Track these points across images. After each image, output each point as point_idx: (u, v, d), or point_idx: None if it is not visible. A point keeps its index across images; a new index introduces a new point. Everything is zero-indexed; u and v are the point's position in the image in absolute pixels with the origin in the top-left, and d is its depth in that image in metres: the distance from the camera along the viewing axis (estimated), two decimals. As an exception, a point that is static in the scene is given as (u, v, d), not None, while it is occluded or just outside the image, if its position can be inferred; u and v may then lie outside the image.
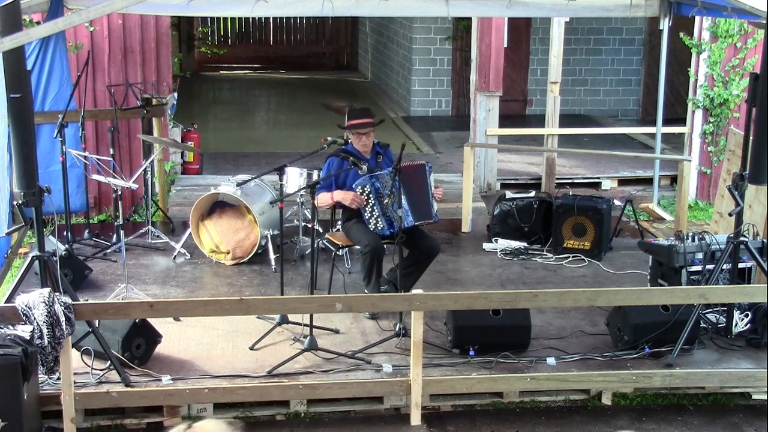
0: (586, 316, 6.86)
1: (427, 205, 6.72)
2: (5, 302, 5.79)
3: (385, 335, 6.41)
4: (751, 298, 6.33)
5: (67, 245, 7.48)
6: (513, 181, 10.94)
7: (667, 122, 10.67)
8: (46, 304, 5.20)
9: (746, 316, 6.53)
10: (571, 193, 8.91)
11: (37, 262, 5.70)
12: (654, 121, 10.46)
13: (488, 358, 6.09)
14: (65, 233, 8.00)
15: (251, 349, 6.21)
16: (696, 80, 10.54)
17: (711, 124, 10.50)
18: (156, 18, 9.36)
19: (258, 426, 5.77)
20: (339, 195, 6.71)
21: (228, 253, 7.87)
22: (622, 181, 11.16)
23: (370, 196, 6.66)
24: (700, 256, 6.85)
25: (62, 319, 5.21)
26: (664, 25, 8.49)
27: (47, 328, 5.16)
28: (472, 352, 6.13)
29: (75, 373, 5.51)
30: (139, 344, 5.89)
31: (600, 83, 14.63)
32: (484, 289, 7.14)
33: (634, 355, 6.12)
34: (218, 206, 8.08)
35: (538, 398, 6.10)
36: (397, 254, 6.61)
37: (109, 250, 8.01)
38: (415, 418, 5.76)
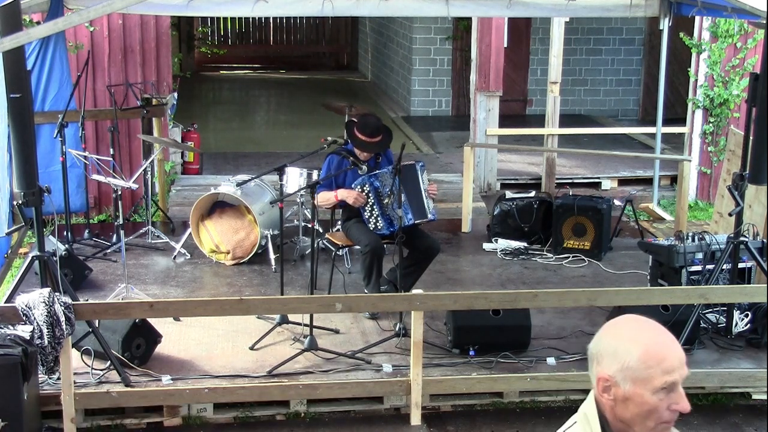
0: (586, 316, 6.86)
1: (420, 203, 6.72)
2: (5, 302, 5.79)
3: (385, 335, 6.41)
4: (751, 298, 6.33)
5: (67, 245, 7.48)
6: (513, 181, 10.94)
7: (667, 122, 10.67)
8: (46, 304, 5.19)
9: (746, 316, 6.53)
10: (571, 193, 8.91)
11: (37, 262, 5.70)
12: (654, 121, 10.46)
13: (488, 358, 6.09)
14: (65, 233, 8.00)
15: (251, 349, 6.21)
16: (696, 80, 10.54)
17: (711, 124, 10.50)
18: (156, 18, 9.36)
19: (258, 426, 5.77)
20: (343, 193, 6.70)
21: (228, 253, 7.87)
22: (622, 181, 11.16)
23: (370, 195, 6.66)
24: (700, 256, 6.85)
25: (62, 319, 5.21)
26: (664, 25, 8.49)
27: (47, 328, 5.16)
28: (472, 352, 6.13)
29: (75, 373, 5.51)
30: (139, 344, 5.89)
31: (600, 83, 14.63)
32: (484, 289, 7.14)
33: (634, 355, 6.11)
34: (218, 206, 8.08)
35: (538, 398, 6.10)
36: (397, 254, 6.61)
37: (109, 250, 8.01)
38: (415, 418, 5.76)
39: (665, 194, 10.68)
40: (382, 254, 6.77)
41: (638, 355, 2.16)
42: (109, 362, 5.67)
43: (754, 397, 6.14)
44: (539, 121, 11.54)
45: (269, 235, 7.85)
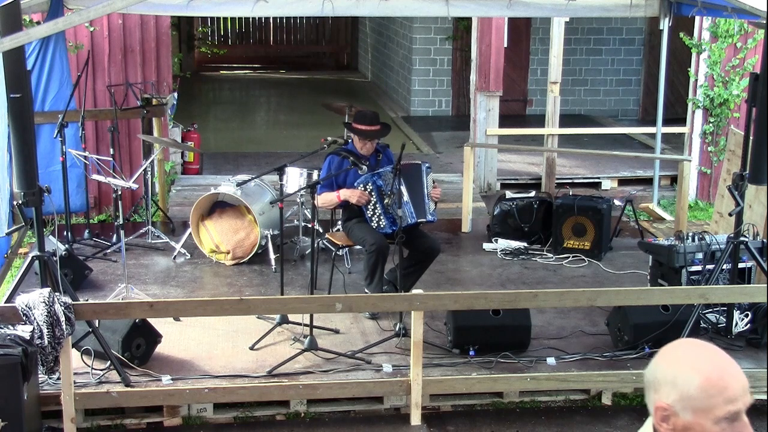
0: (586, 316, 6.86)
1: (422, 204, 6.72)
2: (5, 302, 5.79)
3: (385, 335, 6.41)
4: (751, 298, 6.33)
5: (67, 245, 7.48)
6: (513, 181, 10.94)
7: (667, 122, 10.67)
8: (46, 304, 5.19)
9: (746, 316, 6.53)
10: (571, 193, 8.91)
11: (37, 262, 5.70)
12: (654, 121, 10.47)
13: (488, 358, 6.08)
14: (65, 233, 8.00)
15: (251, 349, 6.21)
16: (696, 80, 10.54)
17: (711, 124, 10.50)
18: (156, 18, 9.36)
19: (258, 426, 5.77)
20: (346, 193, 6.70)
21: (228, 253, 7.87)
22: (622, 181, 11.17)
23: (373, 193, 6.66)
24: (700, 256, 6.85)
25: (62, 319, 5.21)
26: (664, 25, 8.49)
27: (47, 328, 5.16)
28: (472, 352, 6.13)
29: (75, 373, 5.51)
30: (139, 344, 5.89)
31: (600, 83, 14.63)
32: (484, 289, 7.14)
33: (634, 355, 6.12)
34: (218, 206, 8.08)
35: (538, 398, 6.10)
36: (396, 254, 6.61)
37: (109, 250, 8.01)
38: (415, 418, 5.76)
39: (665, 194, 10.68)
40: (387, 253, 6.75)
41: (699, 383, 2.05)
42: (109, 362, 5.67)
43: (754, 397, 6.13)
44: (539, 121, 11.54)
45: (269, 235, 7.85)
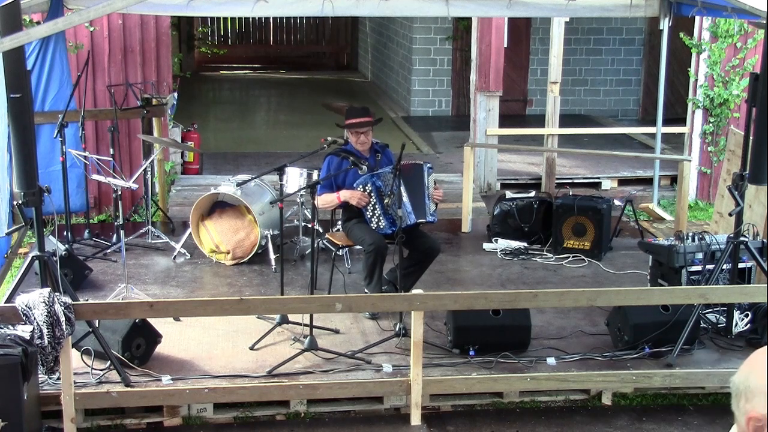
0: (586, 316, 6.86)
1: (422, 204, 6.72)
2: (5, 302, 5.79)
3: (385, 335, 6.41)
4: (751, 298, 6.33)
5: (67, 245, 7.48)
6: (513, 181, 10.94)
7: (667, 122, 10.67)
8: (46, 304, 5.19)
9: (746, 316, 6.53)
10: (571, 193, 8.91)
11: (37, 262, 5.70)
12: (654, 121, 10.47)
13: (488, 358, 6.08)
14: (65, 233, 8.00)
15: (251, 349, 6.21)
16: (696, 80, 10.54)
17: (711, 124, 10.50)
18: (156, 18, 9.36)
19: (258, 426, 5.77)
20: (346, 194, 6.71)
21: (228, 253, 7.87)
22: (622, 181, 11.17)
23: (372, 194, 6.66)
24: (700, 256, 6.85)
25: (62, 319, 5.21)
26: (664, 25, 8.49)
27: (47, 328, 5.16)
28: (472, 352, 6.13)
29: (75, 373, 5.51)
30: (139, 344, 5.89)
31: (600, 83, 14.63)
32: (484, 289, 7.14)
33: (634, 355, 6.12)
34: (218, 206, 8.08)
35: (538, 398, 6.10)
36: (396, 254, 6.61)
37: (109, 250, 8.01)
38: (415, 418, 5.76)
39: (665, 194, 10.68)
40: (386, 254, 6.76)
41: None
42: (109, 362, 5.67)
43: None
44: (539, 121, 11.54)
45: (269, 235, 7.85)
